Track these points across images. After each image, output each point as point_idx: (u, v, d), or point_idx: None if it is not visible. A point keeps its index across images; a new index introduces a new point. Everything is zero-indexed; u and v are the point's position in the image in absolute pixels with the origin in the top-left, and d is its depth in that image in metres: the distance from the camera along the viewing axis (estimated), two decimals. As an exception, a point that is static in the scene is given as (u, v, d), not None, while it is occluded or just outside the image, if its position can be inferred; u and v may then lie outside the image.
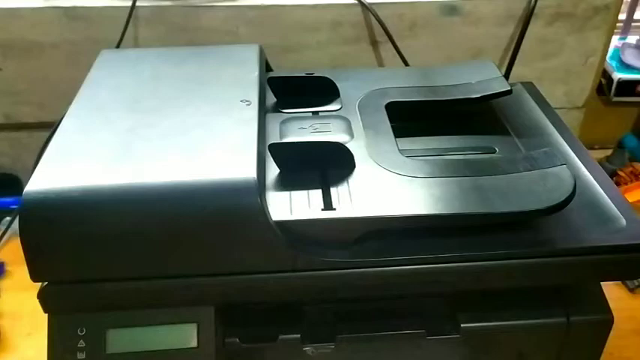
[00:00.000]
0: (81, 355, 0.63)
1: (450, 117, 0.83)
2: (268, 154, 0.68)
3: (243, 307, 0.67)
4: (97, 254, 0.59)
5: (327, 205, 0.64)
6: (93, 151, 0.64)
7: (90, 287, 0.62)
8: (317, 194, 0.65)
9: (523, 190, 0.65)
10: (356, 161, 0.69)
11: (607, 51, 1.19)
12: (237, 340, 0.66)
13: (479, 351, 0.71)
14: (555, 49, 1.14)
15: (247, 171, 0.61)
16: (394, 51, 1.08)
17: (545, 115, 0.84)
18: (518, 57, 1.11)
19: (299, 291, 0.64)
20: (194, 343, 0.63)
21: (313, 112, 0.81)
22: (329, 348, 0.67)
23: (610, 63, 1.29)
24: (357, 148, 0.71)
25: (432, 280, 0.65)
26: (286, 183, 0.67)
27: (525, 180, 0.66)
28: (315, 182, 0.67)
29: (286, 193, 0.66)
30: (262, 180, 0.64)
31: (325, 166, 0.69)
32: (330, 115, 0.79)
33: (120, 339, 0.63)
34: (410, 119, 0.81)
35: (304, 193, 0.66)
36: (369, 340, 0.69)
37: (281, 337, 0.66)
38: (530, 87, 0.91)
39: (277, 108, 0.81)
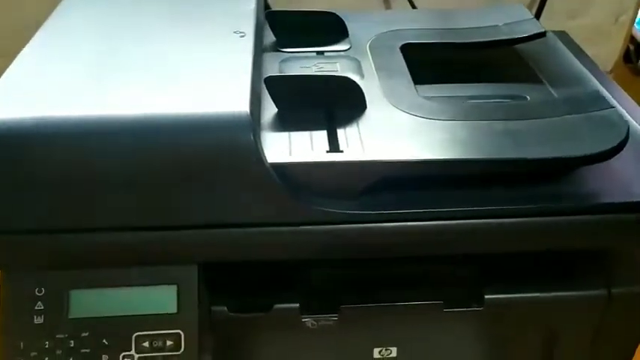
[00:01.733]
0: (38, 320, 0.54)
1: (473, 65, 0.74)
2: (265, 91, 0.59)
3: (232, 270, 0.59)
4: (57, 198, 0.51)
5: (334, 147, 0.55)
6: (55, 80, 0.55)
7: (49, 239, 0.53)
8: (321, 136, 0.56)
9: (566, 135, 0.56)
10: (367, 101, 0.60)
11: (637, 12, 1.10)
12: (225, 308, 0.58)
13: (504, 327, 0.63)
14: (583, 6, 1.04)
15: (239, 104, 0.52)
16: (406, 1, 0.99)
17: (583, 64, 0.74)
18: (543, 13, 1.01)
19: (298, 249, 0.55)
20: (173, 308, 0.55)
21: (318, 52, 0.72)
22: (331, 320, 0.58)
23: (638, 29, 1.20)
24: (368, 88, 0.62)
25: (453, 239, 0.56)
26: (285, 124, 0.58)
27: (568, 124, 0.57)
28: (320, 123, 0.58)
29: (285, 134, 0.57)
30: (257, 117, 0.55)
31: (331, 105, 0.60)
32: (338, 55, 0.70)
33: (85, 302, 0.54)
34: (428, 66, 0.71)
35: (306, 134, 0.57)
36: (377, 311, 0.60)
37: (276, 306, 0.58)
38: (563, 36, 0.81)
39: (277, 47, 0.72)
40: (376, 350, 0.63)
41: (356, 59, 0.69)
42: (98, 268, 0.54)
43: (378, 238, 0.55)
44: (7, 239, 0.52)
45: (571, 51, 0.78)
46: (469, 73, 0.72)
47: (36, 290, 0.54)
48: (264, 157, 0.51)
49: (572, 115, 0.58)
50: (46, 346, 0.53)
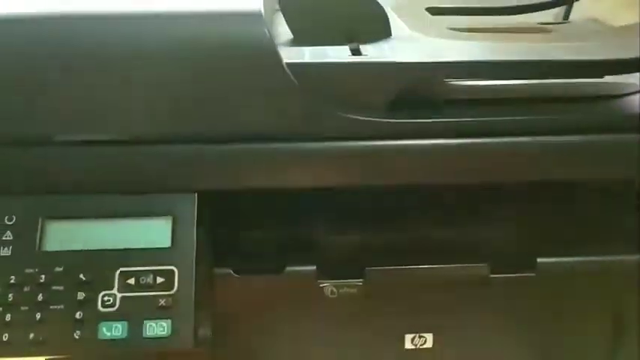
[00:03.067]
0: (5, 252, 0.46)
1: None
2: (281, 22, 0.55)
3: (238, 225, 0.52)
4: (28, 101, 0.45)
5: (356, 51, 0.50)
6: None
7: (19, 154, 0.47)
8: (342, 49, 0.51)
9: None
10: (393, 30, 0.55)
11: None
12: (231, 271, 0.50)
13: (559, 297, 0.54)
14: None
15: (251, 3, 0.48)
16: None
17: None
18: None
19: (316, 171, 0.48)
20: (166, 242, 0.47)
21: None
22: (355, 286, 0.51)
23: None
24: (395, 24, 0.57)
25: (501, 162, 0.49)
26: (302, 44, 0.52)
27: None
28: (340, 43, 0.53)
29: (302, 49, 0.51)
30: (269, 22, 0.50)
31: (352, 32, 0.54)
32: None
33: (62, 233, 0.47)
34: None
35: (326, 48, 0.51)
36: (409, 276, 0.52)
37: (289, 268, 0.51)
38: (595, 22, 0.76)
39: None
40: (408, 337, 0.54)
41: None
42: (79, 194, 0.48)
43: (416, 156, 0.48)
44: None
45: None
46: None
47: (5, 218, 0.47)
48: (279, 53, 0.46)
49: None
50: (12, 281, 0.45)
